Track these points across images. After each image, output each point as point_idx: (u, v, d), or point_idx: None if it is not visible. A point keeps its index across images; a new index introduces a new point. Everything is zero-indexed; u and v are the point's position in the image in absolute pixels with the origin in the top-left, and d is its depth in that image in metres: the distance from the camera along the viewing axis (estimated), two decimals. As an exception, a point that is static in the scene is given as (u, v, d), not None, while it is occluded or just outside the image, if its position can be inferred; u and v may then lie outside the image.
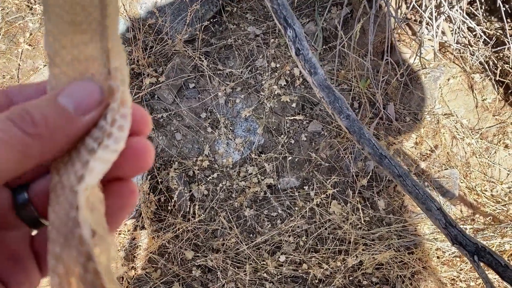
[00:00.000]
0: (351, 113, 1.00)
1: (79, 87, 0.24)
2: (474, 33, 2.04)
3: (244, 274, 1.76)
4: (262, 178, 1.95)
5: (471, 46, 2.06)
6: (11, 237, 0.27)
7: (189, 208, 1.86)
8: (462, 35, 2.03)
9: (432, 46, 2.02)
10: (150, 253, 1.79)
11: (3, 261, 0.26)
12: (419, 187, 1.02)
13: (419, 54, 1.99)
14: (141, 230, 1.83)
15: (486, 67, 2.05)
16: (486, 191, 1.99)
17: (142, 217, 1.81)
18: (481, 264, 1.06)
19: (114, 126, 0.24)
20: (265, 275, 1.78)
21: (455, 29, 1.95)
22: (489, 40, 2.01)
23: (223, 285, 1.77)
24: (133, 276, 1.79)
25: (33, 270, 0.27)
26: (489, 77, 2.08)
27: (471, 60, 2.06)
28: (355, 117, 1.01)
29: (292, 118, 2.01)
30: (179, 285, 1.77)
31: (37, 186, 0.28)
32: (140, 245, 1.83)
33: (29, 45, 2.15)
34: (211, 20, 2.16)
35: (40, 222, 0.28)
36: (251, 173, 1.95)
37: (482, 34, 1.98)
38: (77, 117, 0.23)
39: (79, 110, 0.23)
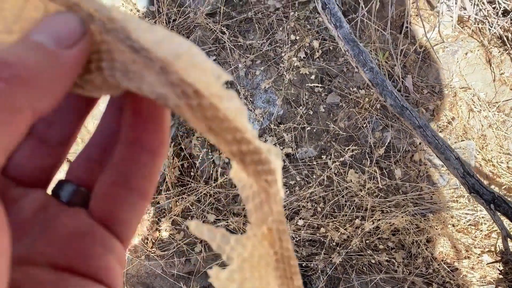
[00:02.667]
0: (375, 66, 1.05)
1: (52, 20, 0.19)
2: (493, 5, 2.05)
3: (263, 237, 1.82)
4: (281, 147, 2.00)
5: (490, 17, 2.08)
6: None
7: (211, 174, 1.93)
8: (482, 6, 2.05)
9: (451, 17, 2.04)
10: (174, 215, 1.86)
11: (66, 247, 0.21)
12: (438, 137, 1.07)
13: (438, 27, 2.01)
14: (166, 193, 1.91)
15: (505, 40, 2.07)
16: (502, 163, 2.01)
17: (166, 182, 1.88)
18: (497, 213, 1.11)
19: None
20: (283, 238, 1.84)
21: (475, 0, 1.97)
22: (509, 10, 2.02)
23: (243, 248, 1.83)
24: (158, 237, 1.87)
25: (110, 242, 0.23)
26: (507, 51, 2.09)
27: (490, 31, 2.07)
28: (378, 69, 1.05)
29: (311, 88, 2.06)
30: (201, 246, 1.84)
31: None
32: (164, 208, 1.91)
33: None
34: (232, -7, 2.21)
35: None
36: (270, 143, 2.01)
37: (502, 2, 1.99)
38: (60, 51, 0.19)
39: (61, 43, 0.19)
